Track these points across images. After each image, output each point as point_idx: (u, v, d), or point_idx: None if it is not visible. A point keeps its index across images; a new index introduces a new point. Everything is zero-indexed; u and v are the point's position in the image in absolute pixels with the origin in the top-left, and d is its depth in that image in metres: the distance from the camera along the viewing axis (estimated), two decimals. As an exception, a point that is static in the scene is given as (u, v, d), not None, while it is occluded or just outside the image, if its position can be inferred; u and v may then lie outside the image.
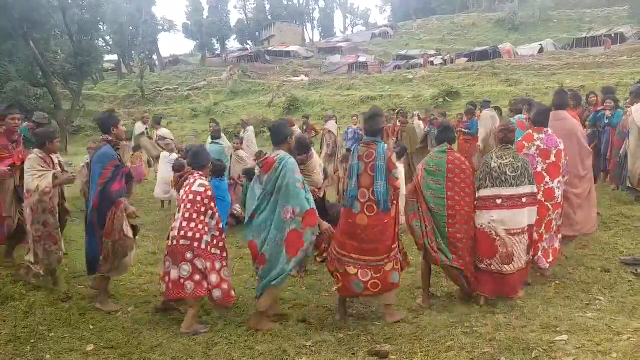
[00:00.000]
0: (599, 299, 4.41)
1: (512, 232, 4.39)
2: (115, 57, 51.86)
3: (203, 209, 4.23)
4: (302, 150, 5.97)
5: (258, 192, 4.20)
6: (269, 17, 69.66)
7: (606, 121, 8.82)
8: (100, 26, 34.41)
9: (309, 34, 76.66)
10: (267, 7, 70.93)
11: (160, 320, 4.34)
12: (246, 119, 12.81)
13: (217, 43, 61.21)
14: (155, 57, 55.98)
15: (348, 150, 12.01)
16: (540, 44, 38.19)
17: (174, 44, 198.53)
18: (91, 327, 4.14)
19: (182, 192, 4.38)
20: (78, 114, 30.75)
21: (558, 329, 3.77)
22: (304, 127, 12.65)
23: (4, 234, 5.35)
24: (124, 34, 47.62)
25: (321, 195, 6.07)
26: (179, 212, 4.30)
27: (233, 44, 69.05)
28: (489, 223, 4.41)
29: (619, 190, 8.14)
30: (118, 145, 4.72)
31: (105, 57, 44.35)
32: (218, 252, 4.30)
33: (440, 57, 40.13)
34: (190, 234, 4.15)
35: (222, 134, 9.57)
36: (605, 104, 8.97)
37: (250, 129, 11.91)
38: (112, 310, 4.53)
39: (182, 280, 4.13)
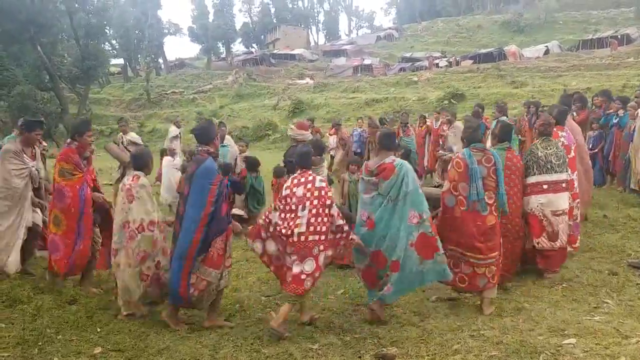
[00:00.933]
0: (606, 302, 4.39)
1: (557, 213, 5.07)
2: (121, 60, 52.25)
3: (328, 202, 4.17)
4: (317, 152, 6.13)
5: (374, 200, 4.23)
6: (274, 20, 69.92)
7: (615, 120, 8.78)
8: (106, 30, 34.79)
9: (313, 36, 76.97)
10: (272, 10, 71.19)
11: (167, 323, 4.34)
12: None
13: (223, 46, 61.47)
14: (161, 60, 56.37)
15: (355, 153, 12.03)
16: (546, 46, 38.11)
17: (179, 48, 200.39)
18: (98, 330, 4.15)
19: (300, 189, 4.22)
20: (85, 117, 30.97)
21: (565, 332, 3.75)
22: (309, 131, 12.65)
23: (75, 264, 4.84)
24: (130, 37, 47.97)
25: None
26: (303, 210, 4.12)
27: (238, 47, 69.48)
28: (537, 206, 5.06)
29: (626, 193, 8.10)
30: (217, 156, 4.44)
31: (111, 60, 44.75)
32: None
33: (446, 59, 40.11)
34: (319, 228, 4.11)
35: (229, 137, 9.58)
36: (614, 104, 8.96)
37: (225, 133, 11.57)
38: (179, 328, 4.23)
39: (303, 276, 4.06)
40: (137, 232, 4.21)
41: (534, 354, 3.40)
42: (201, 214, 3.99)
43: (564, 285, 4.87)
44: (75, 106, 31.17)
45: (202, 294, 4.10)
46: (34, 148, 5.37)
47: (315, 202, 4.13)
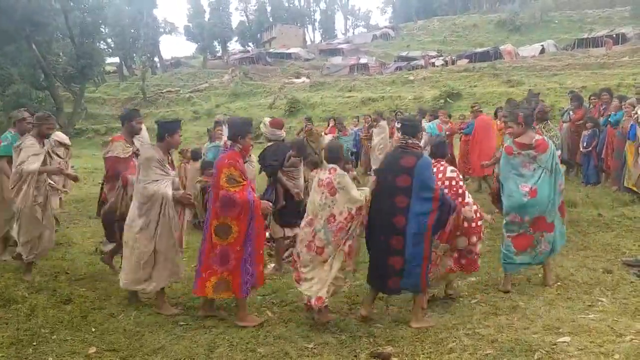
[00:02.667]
0: (601, 301, 4.40)
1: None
2: (116, 59, 52.02)
3: (460, 191, 4.47)
4: (299, 153, 6.02)
5: (536, 172, 4.72)
6: (270, 19, 69.77)
7: (610, 119, 8.79)
8: (101, 29, 34.62)
9: (310, 35, 76.87)
10: (269, 9, 71.02)
11: (162, 322, 4.33)
12: None
13: (219, 45, 61.36)
14: (156, 59, 56.17)
15: (351, 153, 12.05)
16: (542, 45, 38.16)
17: (175, 46, 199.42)
18: (93, 330, 4.14)
19: None
20: (80, 116, 30.89)
21: (560, 330, 3.77)
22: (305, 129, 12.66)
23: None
24: (125, 36, 47.81)
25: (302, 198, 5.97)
26: None
27: (234, 46, 69.31)
28: None
29: (620, 192, 8.13)
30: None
31: (106, 59, 44.56)
32: (480, 223, 4.64)
33: (442, 58, 40.14)
34: None
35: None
36: (613, 103, 8.98)
37: (142, 127, 10.96)
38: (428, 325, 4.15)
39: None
40: (346, 222, 4.14)
41: (528, 352, 3.41)
42: (432, 204, 4.07)
43: (558, 283, 4.88)
44: (71, 105, 31.06)
45: (435, 271, 4.35)
46: (170, 155, 4.86)
47: (446, 190, 4.40)
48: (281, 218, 5.79)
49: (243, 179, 4.27)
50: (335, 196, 4.15)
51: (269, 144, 6.02)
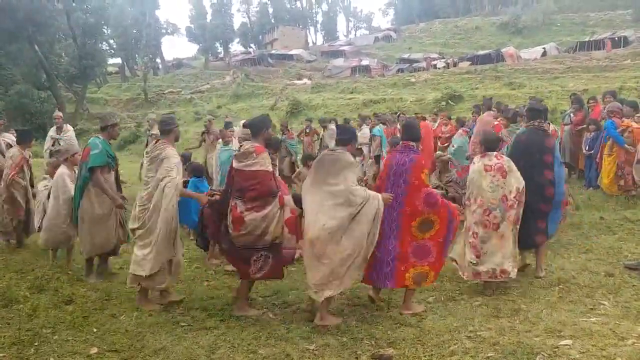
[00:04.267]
0: (603, 304, 4.40)
1: None
2: (118, 60, 52.12)
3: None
4: (275, 151, 6.89)
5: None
6: (272, 21, 69.84)
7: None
8: (104, 29, 34.65)
9: (311, 37, 76.91)
10: (270, 10, 71.09)
11: (163, 323, 4.34)
12: (60, 115, 10.04)
13: (221, 46, 61.43)
14: (158, 60, 56.24)
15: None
16: (544, 48, 38.12)
17: (177, 48, 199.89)
18: (95, 330, 4.14)
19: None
20: (82, 117, 30.87)
21: (562, 333, 3.76)
22: (307, 130, 12.78)
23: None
24: (127, 37, 47.84)
25: None
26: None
27: (236, 47, 69.35)
28: None
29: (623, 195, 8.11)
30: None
31: (109, 60, 44.67)
32: None
33: (443, 60, 40.11)
34: None
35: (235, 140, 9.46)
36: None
37: (70, 127, 9.91)
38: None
39: None
40: (515, 200, 4.80)
41: (530, 355, 3.41)
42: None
43: (560, 286, 4.88)
44: (72, 105, 31.10)
45: None
46: None
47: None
48: None
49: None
50: (507, 178, 4.83)
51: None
